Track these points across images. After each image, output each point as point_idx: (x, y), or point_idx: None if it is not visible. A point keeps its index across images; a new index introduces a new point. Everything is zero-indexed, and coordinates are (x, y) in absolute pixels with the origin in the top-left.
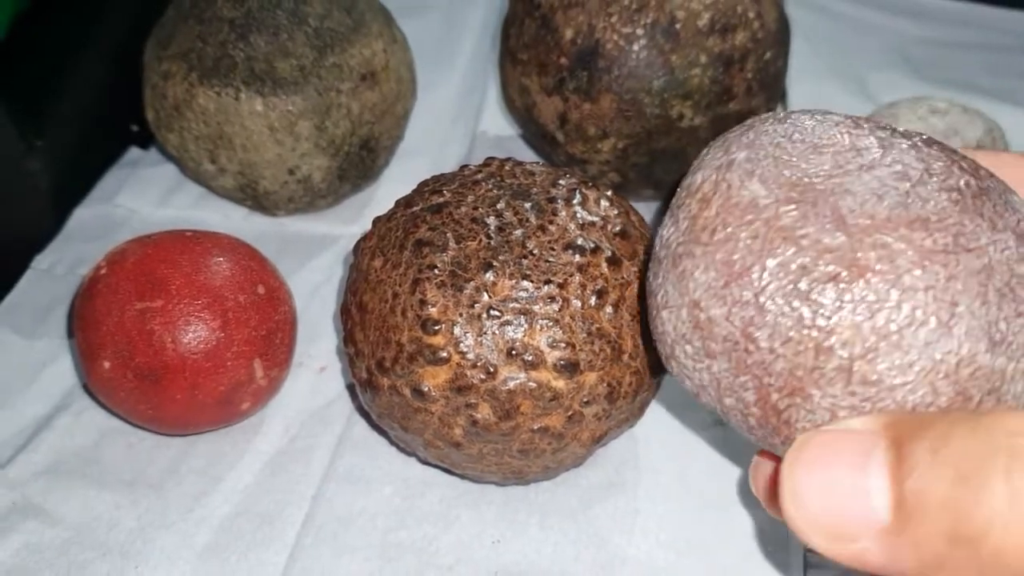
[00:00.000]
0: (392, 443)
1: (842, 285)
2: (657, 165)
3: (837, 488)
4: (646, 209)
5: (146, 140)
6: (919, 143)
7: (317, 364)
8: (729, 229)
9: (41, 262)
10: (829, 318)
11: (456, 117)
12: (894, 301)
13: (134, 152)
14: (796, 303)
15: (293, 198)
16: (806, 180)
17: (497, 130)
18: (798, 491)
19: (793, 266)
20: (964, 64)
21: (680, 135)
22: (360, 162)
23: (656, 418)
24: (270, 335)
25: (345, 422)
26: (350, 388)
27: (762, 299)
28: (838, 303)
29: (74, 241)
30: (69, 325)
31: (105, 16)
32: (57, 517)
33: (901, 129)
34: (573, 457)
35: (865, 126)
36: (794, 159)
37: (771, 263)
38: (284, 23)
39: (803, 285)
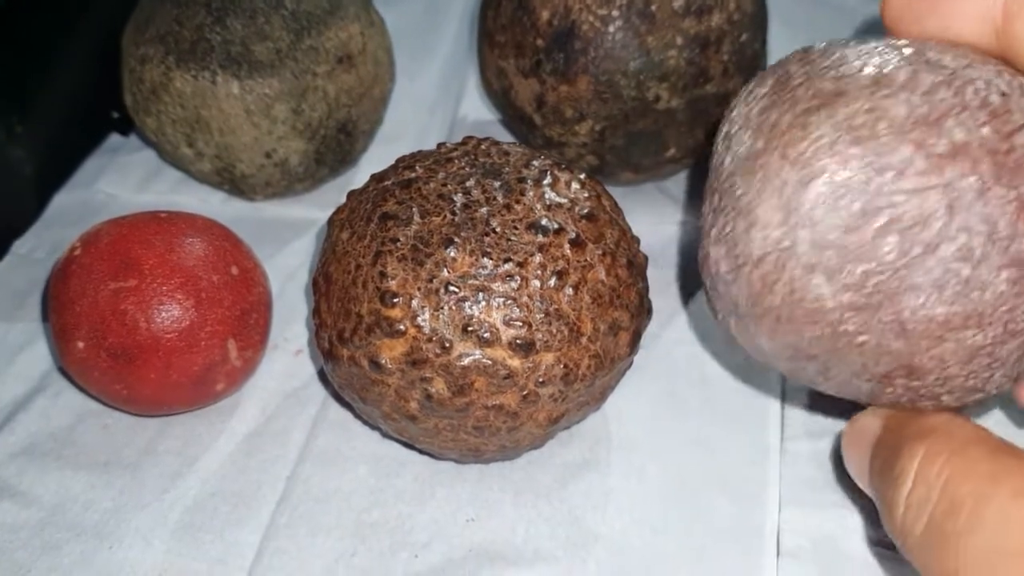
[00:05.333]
0: (366, 423)
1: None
2: (634, 148)
3: (858, 468)
4: (624, 192)
5: (126, 127)
6: (989, 181)
7: (293, 347)
8: (794, 326)
9: (20, 247)
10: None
11: (436, 103)
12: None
13: (114, 139)
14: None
15: (270, 182)
16: (872, 279)
17: (477, 115)
18: (846, 457)
19: (855, 370)
20: None
21: (657, 117)
22: (338, 146)
23: (631, 396)
24: (244, 315)
25: (320, 404)
26: (322, 372)
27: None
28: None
29: (54, 226)
30: (44, 307)
31: (88, 2)
32: (32, 498)
33: (971, 130)
34: (530, 437)
35: (937, 164)
36: (860, 247)
37: (834, 367)
38: (261, 6)
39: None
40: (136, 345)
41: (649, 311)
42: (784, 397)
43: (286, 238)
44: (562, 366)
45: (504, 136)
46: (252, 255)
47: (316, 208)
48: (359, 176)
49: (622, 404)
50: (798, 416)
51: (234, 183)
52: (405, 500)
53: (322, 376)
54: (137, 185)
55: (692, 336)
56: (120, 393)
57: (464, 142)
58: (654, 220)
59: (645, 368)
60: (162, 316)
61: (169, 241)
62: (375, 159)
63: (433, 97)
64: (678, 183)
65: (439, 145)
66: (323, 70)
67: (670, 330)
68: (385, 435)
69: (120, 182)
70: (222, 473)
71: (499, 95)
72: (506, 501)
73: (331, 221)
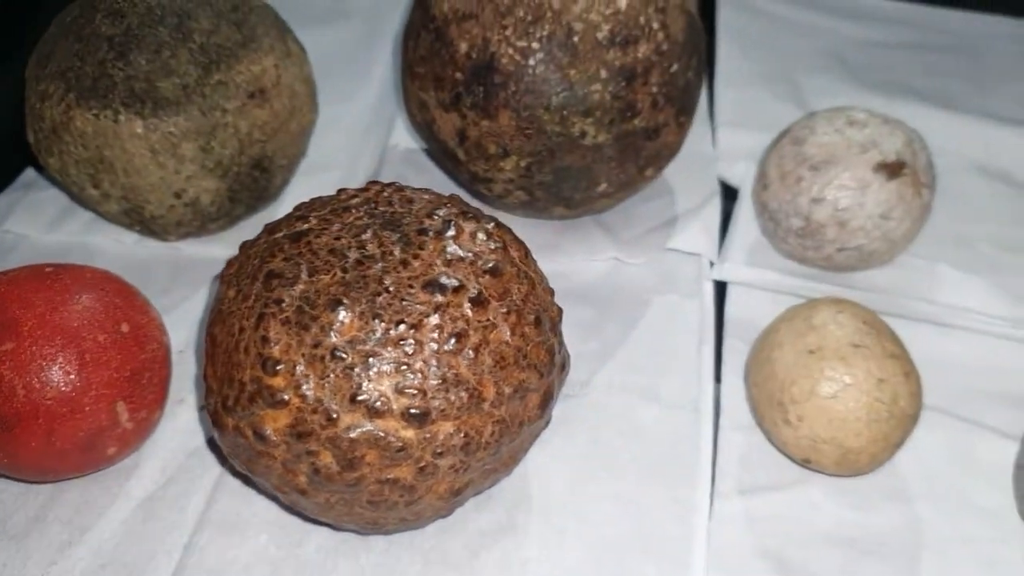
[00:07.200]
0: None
1: None
2: (564, 183)
3: None
4: (562, 226)
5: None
6: None
7: (199, 401)
8: None
9: None
10: None
11: (369, 129)
12: None
13: (28, 174)
14: None
15: (182, 222)
16: None
17: (408, 144)
18: None
19: None
20: (900, 65)
21: (584, 153)
22: (253, 183)
23: (555, 451)
24: (135, 376)
25: (222, 465)
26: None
27: None
28: None
29: None
30: None
31: (7, 35)
32: None
33: None
34: (432, 509)
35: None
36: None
37: None
38: (167, 40)
39: None
40: (14, 413)
41: (563, 367)
42: (716, 448)
43: (203, 279)
44: (462, 435)
45: (433, 168)
46: (148, 308)
47: (236, 247)
48: (281, 211)
49: (544, 461)
50: (731, 470)
51: (144, 224)
52: (307, 572)
53: None
54: (48, 224)
55: (624, 380)
56: (1, 462)
57: (367, 188)
58: (587, 255)
59: (572, 420)
60: (41, 381)
61: (51, 299)
62: (300, 192)
63: (366, 123)
64: (617, 215)
65: (339, 191)
66: (233, 106)
67: (601, 375)
68: (284, 506)
69: (30, 221)
70: (115, 542)
71: (423, 127)
72: (413, 574)
73: (221, 277)
